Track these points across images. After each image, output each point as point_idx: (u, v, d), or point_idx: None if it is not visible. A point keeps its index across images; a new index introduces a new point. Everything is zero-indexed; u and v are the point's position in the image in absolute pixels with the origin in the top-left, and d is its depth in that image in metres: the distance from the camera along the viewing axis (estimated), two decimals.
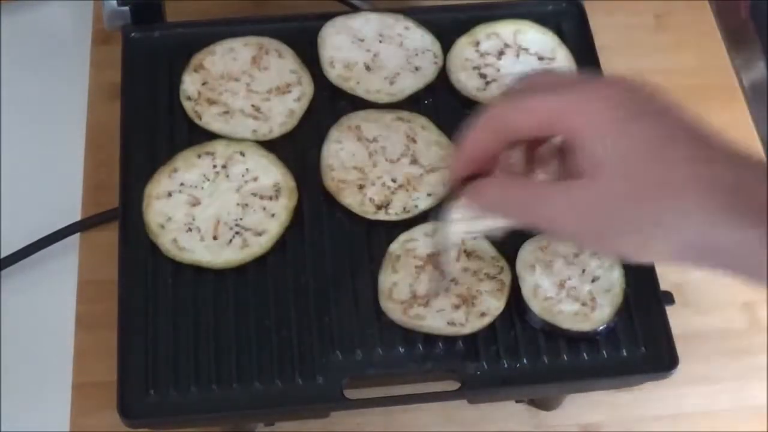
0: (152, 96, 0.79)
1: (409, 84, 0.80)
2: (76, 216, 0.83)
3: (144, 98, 0.78)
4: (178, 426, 0.69)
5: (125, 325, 0.68)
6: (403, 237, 0.72)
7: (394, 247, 0.72)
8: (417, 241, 0.72)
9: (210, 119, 0.77)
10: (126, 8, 0.81)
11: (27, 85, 0.92)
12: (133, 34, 0.81)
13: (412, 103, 0.79)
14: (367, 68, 0.80)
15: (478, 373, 0.68)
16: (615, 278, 0.71)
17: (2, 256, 0.81)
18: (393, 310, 0.69)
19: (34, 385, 0.78)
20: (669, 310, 0.71)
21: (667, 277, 0.74)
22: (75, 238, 0.83)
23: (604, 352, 0.69)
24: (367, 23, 0.83)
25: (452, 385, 0.68)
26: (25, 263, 0.82)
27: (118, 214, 0.73)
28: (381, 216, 0.73)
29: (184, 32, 0.83)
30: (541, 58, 0.82)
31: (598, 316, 0.70)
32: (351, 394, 0.67)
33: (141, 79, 0.79)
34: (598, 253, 0.69)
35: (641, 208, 0.51)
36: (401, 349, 0.69)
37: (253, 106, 0.78)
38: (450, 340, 0.69)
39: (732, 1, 1.03)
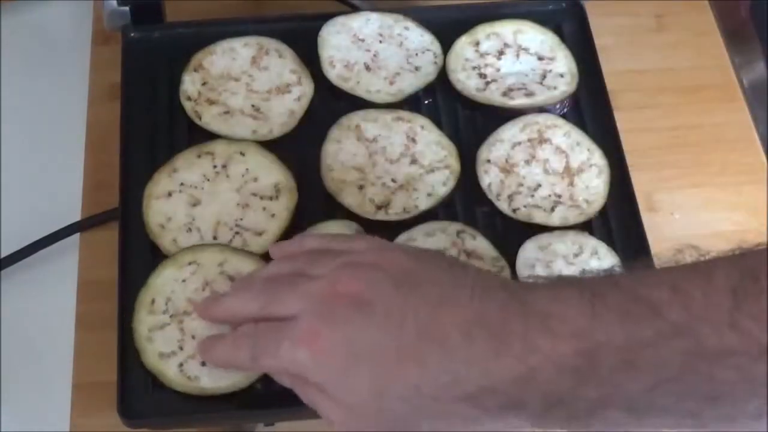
0: (152, 96, 0.79)
1: (409, 84, 0.80)
2: (76, 216, 0.83)
3: (144, 98, 0.78)
4: (178, 426, 0.69)
5: (125, 325, 0.68)
6: (403, 237, 0.72)
7: None
8: (417, 241, 0.72)
9: (210, 119, 0.77)
10: (126, 8, 0.81)
11: (27, 85, 0.92)
12: (133, 34, 0.81)
13: (412, 103, 0.79)
14: (367, 68, 0.80)
15: None
16: None
17: (2, 256, 0.81)
18: None
19: (34, 385, 0.78)
20: None
21: None
22: (75, 238, 0.83)
23: None
24: (367, 23, 0.83)
25: None
26: (25, 263, 0.81)
27: (118, 214, 0.74)
28: (381, 216, 0.73)
29: (184, 32, 0.83)
30: (541, 58, 0.82)
31: None
32: None
33: (141, 79, 0.79)
34: None
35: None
36: None
37: (253, 106, 0.78)
38: None
39: (732, 1, 1.03)
